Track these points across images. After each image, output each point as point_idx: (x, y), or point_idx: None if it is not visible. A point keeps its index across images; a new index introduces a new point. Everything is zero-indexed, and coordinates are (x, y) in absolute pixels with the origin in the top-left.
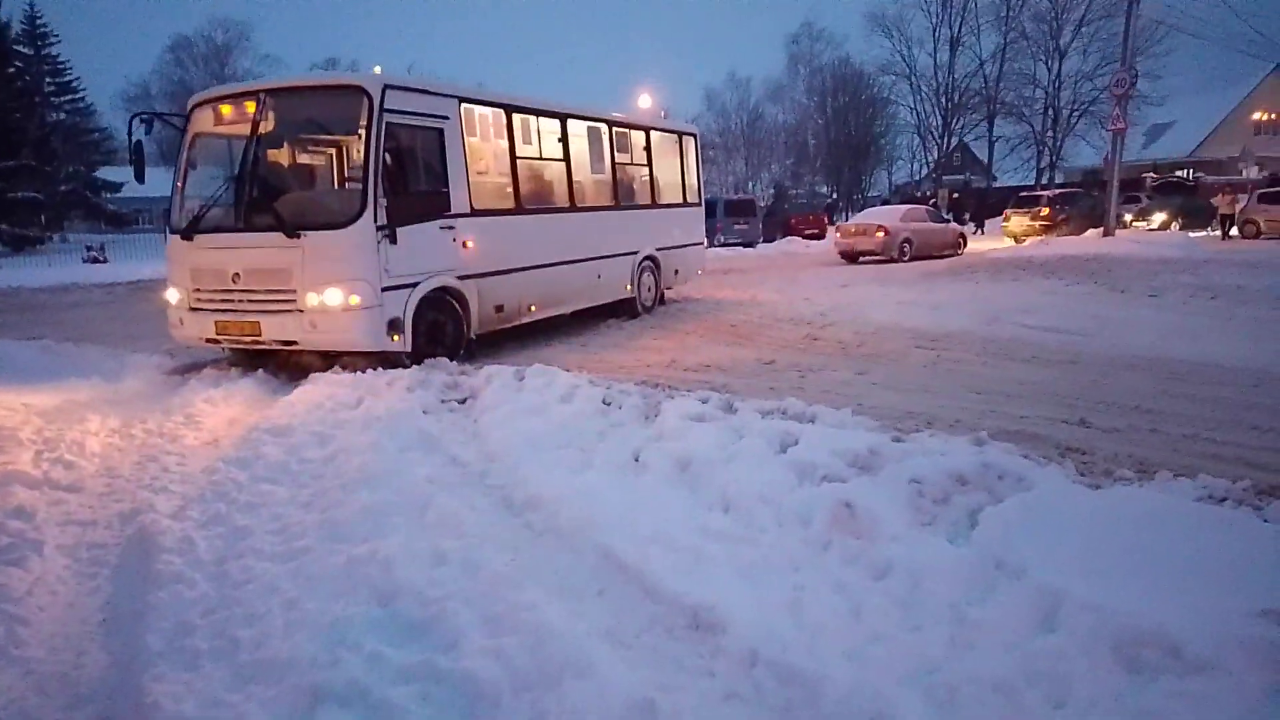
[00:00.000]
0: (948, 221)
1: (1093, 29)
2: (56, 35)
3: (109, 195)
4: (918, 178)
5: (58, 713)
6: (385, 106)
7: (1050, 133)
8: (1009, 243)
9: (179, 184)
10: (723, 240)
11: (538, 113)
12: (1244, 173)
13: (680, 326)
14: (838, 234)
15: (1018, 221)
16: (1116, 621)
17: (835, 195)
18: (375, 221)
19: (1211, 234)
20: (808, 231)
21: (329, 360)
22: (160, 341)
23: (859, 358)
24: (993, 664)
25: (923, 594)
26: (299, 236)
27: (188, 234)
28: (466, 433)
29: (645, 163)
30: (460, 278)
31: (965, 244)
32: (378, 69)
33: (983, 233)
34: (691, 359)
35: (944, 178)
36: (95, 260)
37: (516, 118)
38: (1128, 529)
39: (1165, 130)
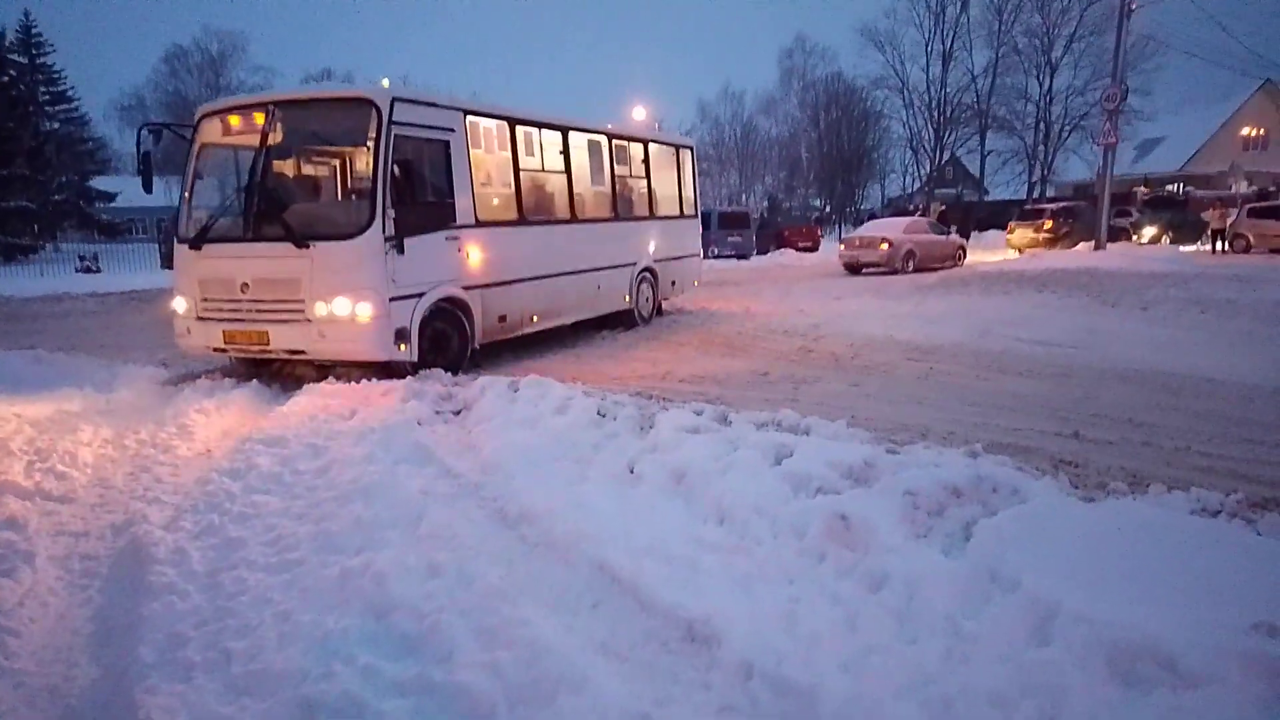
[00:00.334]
0: (948, 234)
1: (1084, 44)
2: (51, 44)
3: (102, 205)
4: (910, 191)
5: None
6: (394, 119)
7: (1042, 147)
8: (1013, 254)
9: (186, 194)
10: (716, 252)
11: (540, 125)
12: (1233, 187)
13: (675, 338)
14: (842, 246)
15: (1021, 234)
16: (1111, 634)
17: (829, 208)
18: (384, 232)
19: (1202, 248)
20: (801, 244)
21: (323, 371)
22: (153, 351)
23: (852, 370)
24: (988, 676)
25: (918, 606)
26: (308, 247)
27: (196, 244)
28: (461, 444)
29: (644, 175)
30: (465, 288)
31: (965, 255)
32: (385, 81)
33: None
34: (686, 370)
35: (936, 191)
36: (88, 270)
37: (520, 130)
38: (1121, 542)
39: (1155, 145)
